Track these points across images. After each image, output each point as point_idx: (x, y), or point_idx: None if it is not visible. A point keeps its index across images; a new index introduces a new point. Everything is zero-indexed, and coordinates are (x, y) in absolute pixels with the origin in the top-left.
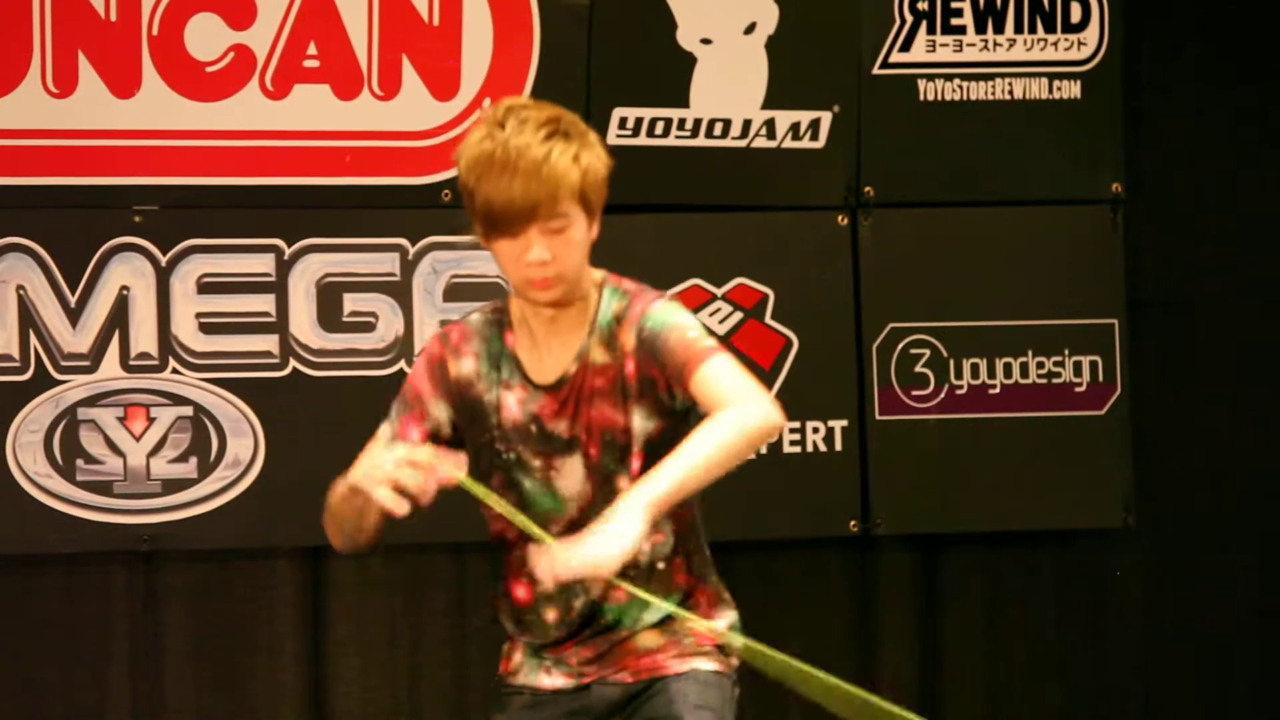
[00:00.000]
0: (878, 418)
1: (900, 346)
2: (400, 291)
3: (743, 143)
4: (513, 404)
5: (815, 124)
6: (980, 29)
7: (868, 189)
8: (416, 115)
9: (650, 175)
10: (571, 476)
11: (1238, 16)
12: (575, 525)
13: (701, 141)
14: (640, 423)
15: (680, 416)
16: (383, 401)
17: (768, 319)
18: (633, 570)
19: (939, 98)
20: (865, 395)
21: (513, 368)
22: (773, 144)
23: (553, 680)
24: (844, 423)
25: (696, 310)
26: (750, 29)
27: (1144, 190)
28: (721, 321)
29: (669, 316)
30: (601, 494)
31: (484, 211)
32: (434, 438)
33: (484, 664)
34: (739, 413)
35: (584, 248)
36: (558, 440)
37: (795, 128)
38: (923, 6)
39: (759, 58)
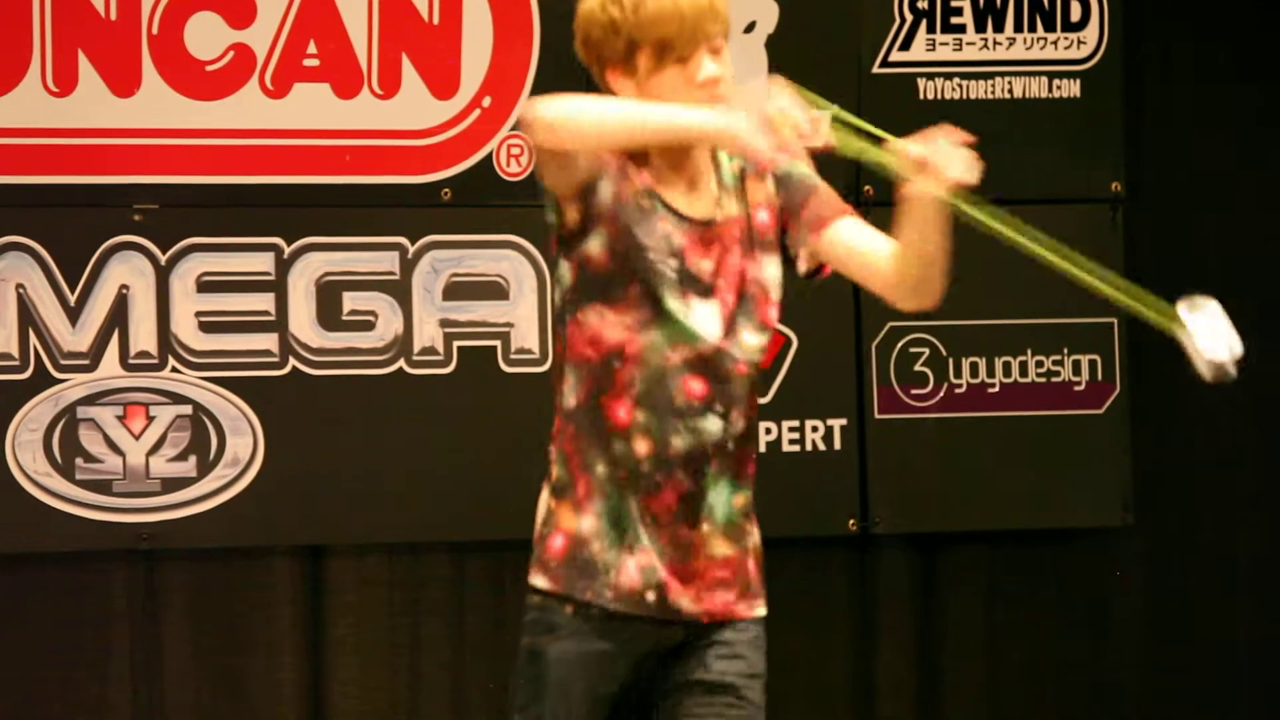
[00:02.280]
0: (877, 416)
1: (899, 345)
2: (400, 290)
3: None
4: (659, 233)
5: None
6: (980, 28)
7: (867, 188)
8: (416, 114)
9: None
10: (710, 317)
11: (1237, 15)
12: (703, 362)
13: None
14: (771, 273)
15: (789, 264)
16: (382, 400)
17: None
18: (726, 448)
19: (939, 97)
20: (864, 394)
21: (654, 199)
22: None
23: (629, 579)
24: (843, 421)
25: None
26: (750, 28)
27: (1143, 189)
28: None
29: (806, 169)
30: (731, 341)
31: (657, 41)
32: (559, 219)
33: (483, 664)
34: None
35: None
36: (696, 281)
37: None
38: (923, 5)
39: (759, 56)
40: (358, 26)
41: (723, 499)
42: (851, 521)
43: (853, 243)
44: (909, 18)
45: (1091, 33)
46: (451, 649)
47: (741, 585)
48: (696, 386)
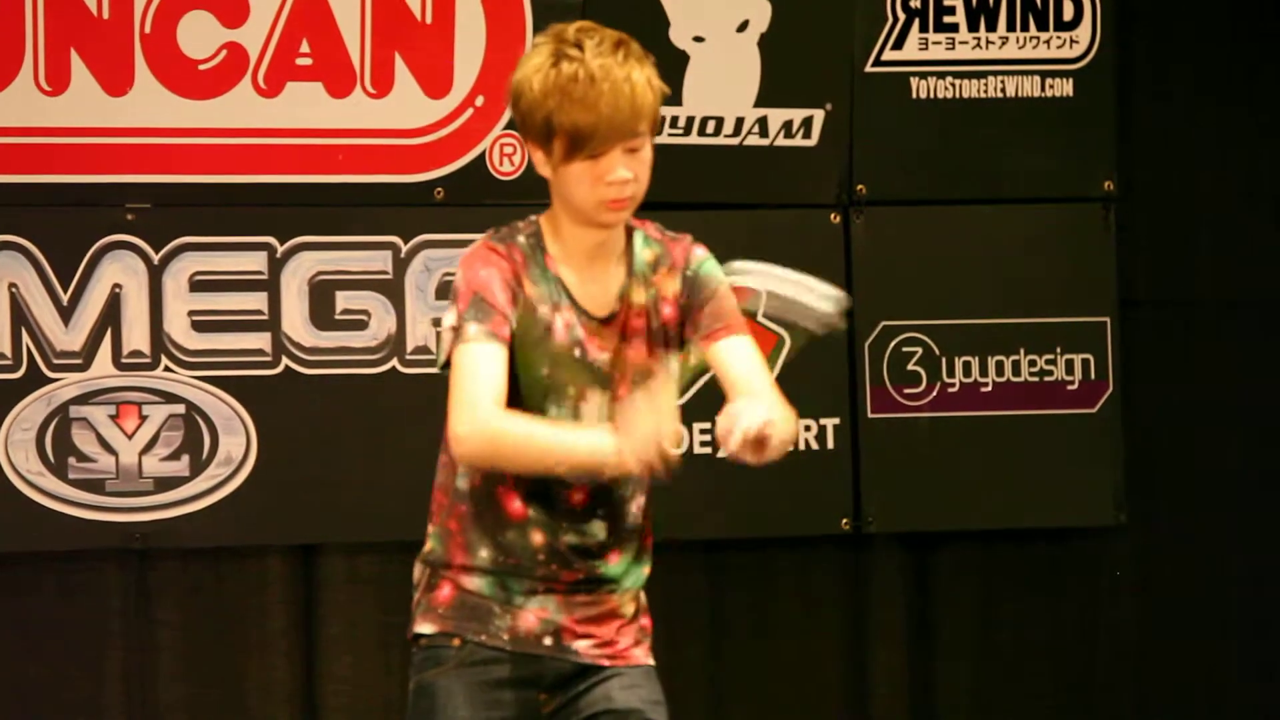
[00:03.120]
0: (870, 416)
1: (892, 345)
2: (392, 290)
3: (735, 141)
4: (560, 328)
5: (808, 122)
6: (973, 27)
7: (860, 187)
8: (409, 113)
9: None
10: (597, 412)
11: (1230, 15)
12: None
13: (694, 139)
14: (671, 367)
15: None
16: (375, 399)
17: (760, 317)
18: (620, 539)
19: (931, 96)
20: (857, 393)
21: (560, 291)
22: (765, 142)
23: (526, 624)
24: (836, 421)
25: None
26: (743, 27)
27: (1136, 188)
28: None
29: (716, 271)
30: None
31: (570, 132)
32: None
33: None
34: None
35: (649, 172)
36: (596, 372)
37: (788, 126)
38: (915, 4)
39: (752, 55)
40: (350, 25)
41: (631, 575)
42: (844, 521)
43: (729, 369)
44: (902, 17)
45: (1084, 32)
46: None
47: (638, 636)
48: (578, 496)
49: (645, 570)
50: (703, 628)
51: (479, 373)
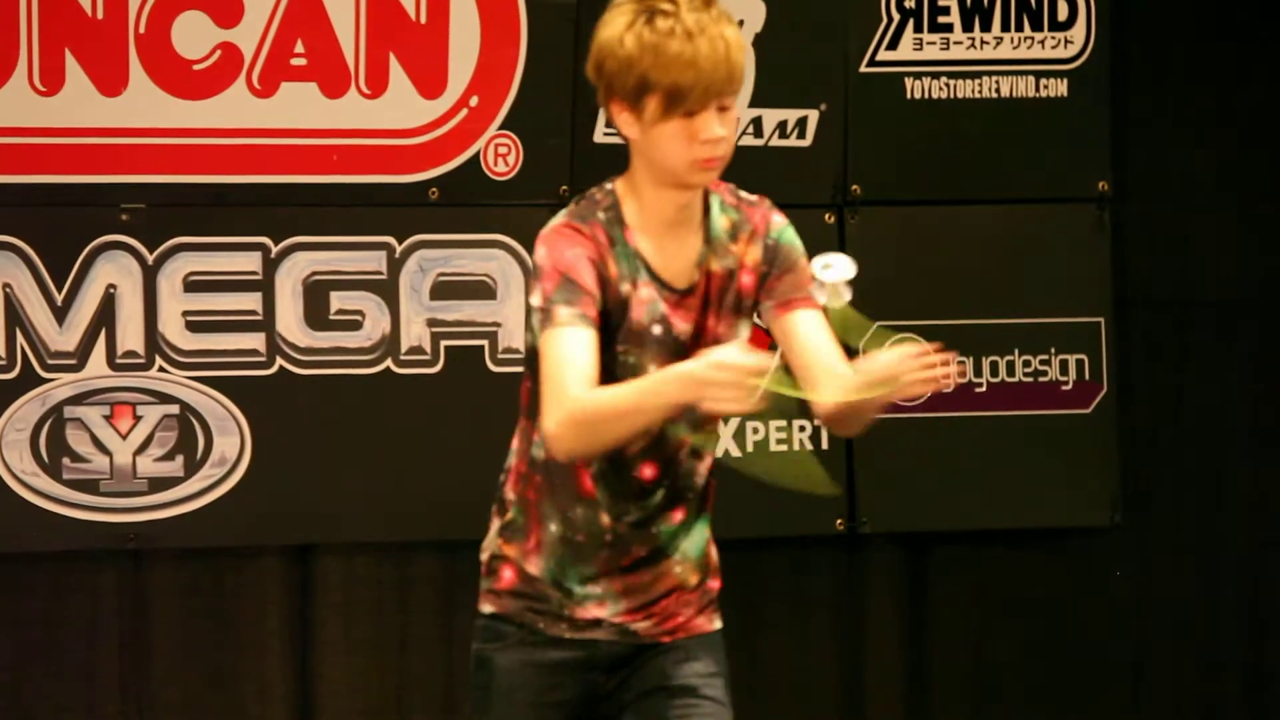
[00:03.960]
0: None
1: (886, 345)
2: (387, 290)
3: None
4: (638, 305)
5: (802, 122)
6: (967, 27)
7: (855, 187)
8: (403, 113)
9: None
10: None
11: (1225, 15)
12: (655, 444)
13: None
14: (743, 335)
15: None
16: (370, 399)
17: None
18: (691, 494)
19: (926, 96)
20: None
21: (639, 266)
22: (760, 142)
23: (586, 613)
24: None
25: None
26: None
27: (1131, 189)
28: None
29: (796, 239)
30: (688, 409)
31: (668, 89)
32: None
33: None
34: None
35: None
36: (677, 344)
37: (782, 126)
38: (910, 4)
39: (746, 55)
40: (345, 26)
41: (694, 541)
42: (839, 521)
43: (806, 340)
44: (896, 17)
45: (1079, 32)
46: (440, 648)
47: (702, 603)
48: (649, 471)
49: (708, 532)
50: None
51: (567, 359)
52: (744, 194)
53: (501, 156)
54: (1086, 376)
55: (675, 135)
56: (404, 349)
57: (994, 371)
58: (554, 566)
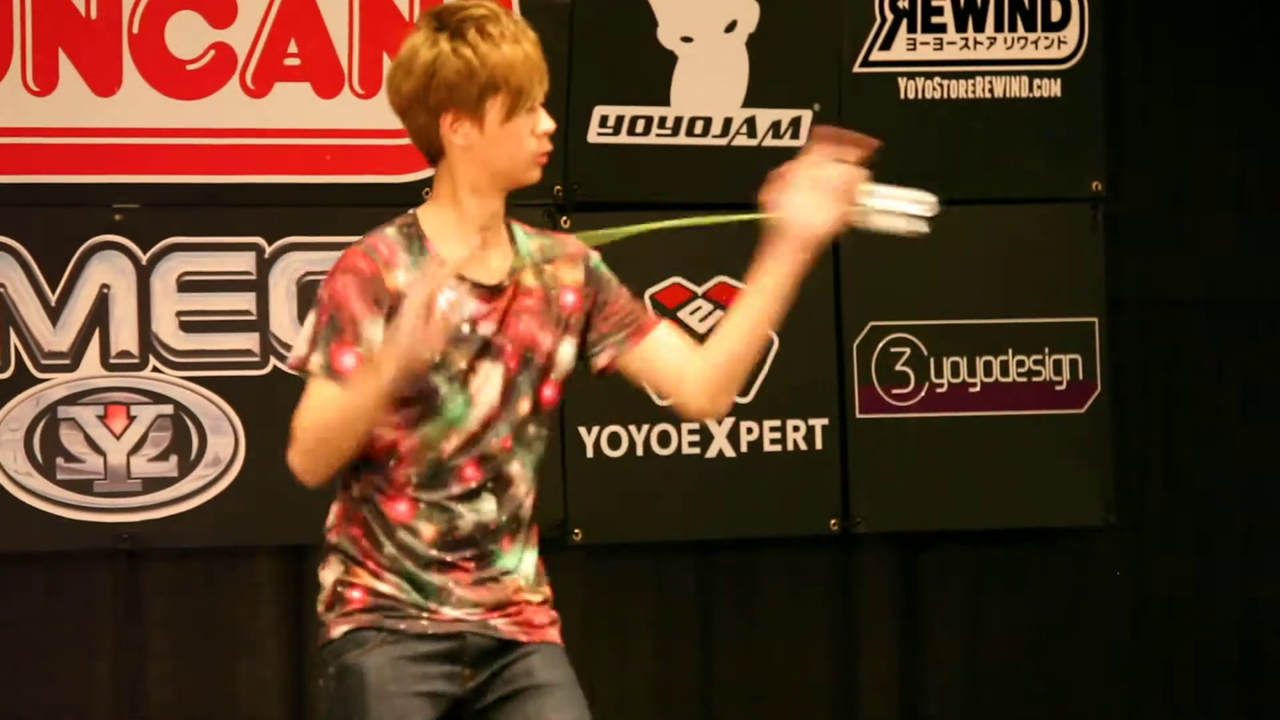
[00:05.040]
0: (858, 416)
1: (881, 345)
2: None
3: (724, 141)
4: (443, 305)
5: (796, 122)
6: (961, 27)
7: None
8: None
9: (631, 173)
10: (488, 384)
11: (1218, 15)
12: (464, 448)
13: (682, 140)
14: (564, 352)
15: (581, 367)
16: None
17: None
18: (514, 524)
19: (920, 96)
20: (846, 394)
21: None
22: (753, 142)
23: (446, 615)
24: (824, 421)
25: (677, 309)
26: (731, 27)
27: (1124, 189)
28: (702, 320)
29: (606, 268)
30: (506, 412)
31: (515, 86)
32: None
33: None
34: None
35: None
36: (484, 342)
37: (776, 126)
38: (903, 5)
39: (740, 56)
40: (338, 26)
41: (524, 565)
42: (833, 521)
43: (668, 351)
44: (890, 17)
45: (1072, 32)
46: None
47: (549, 618)
48: (470, 471)
49: (535, 560)
50: (692, 628)
51: (306, 407)
52: (540, 228)
53: None
54: (1080, 376)
55: (519, 132)
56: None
57: (988, 372)
58: (404, 580)
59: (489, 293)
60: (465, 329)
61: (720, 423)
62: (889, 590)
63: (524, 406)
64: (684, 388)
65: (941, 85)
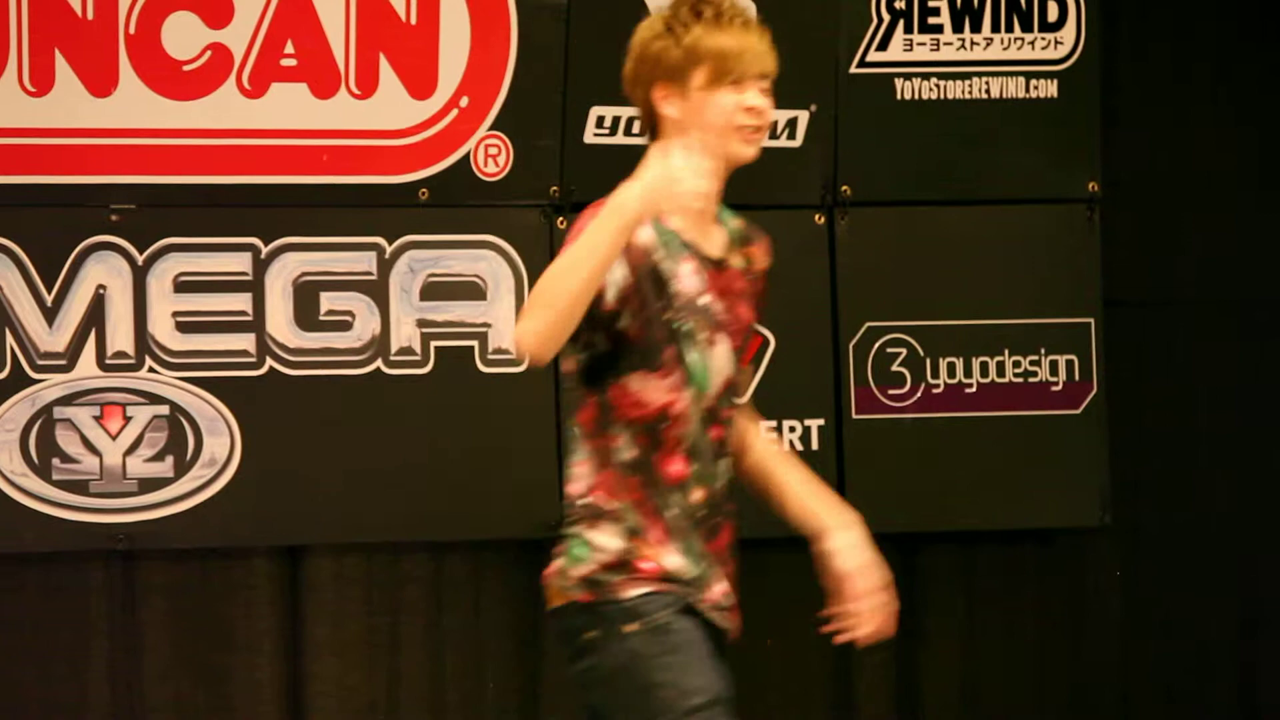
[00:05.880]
0: (854, 417)
1: (877, 345)
2: (377, 290)
3: None
4: (687, 275)
5: (792, 123)
6: (957, 28)
7: (845, 188)
8: (394, 114)
9: (628, 174)
10: (722, 355)
11: (1214, 16)
12: (709, 414)
13: None
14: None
15: None
16: (360, 400)
17: None
18: (726, 499)
19: (916, 97)
20: (842, 394)
21: (678, 242)
22: None
23: (713, 597)
24: (820, 422)
25: None
26: None
27: (1121, 189)
28: None
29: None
30: (727, 386)
31: (717, 55)
32: (596, 304)
33: (461, 663)
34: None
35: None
36: (717, 317)
37: (772, 126)
38: (900, 5)
39: None
40: (335, 26)
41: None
42: None
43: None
44: (886, 18)
45: (1068, 33)
46: (430, 648)
47: None
48: (715, 433)
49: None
50: None
51: (553, 267)
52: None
53: (492, 157)
54: (1076, 377)
55: (721, 104)
56: (394, 350)
57: (984, 372)
58: (684, 551)
59: (714, 267)
60: (703, 300)
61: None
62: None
63: (739, 379)
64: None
65: (938, 86)
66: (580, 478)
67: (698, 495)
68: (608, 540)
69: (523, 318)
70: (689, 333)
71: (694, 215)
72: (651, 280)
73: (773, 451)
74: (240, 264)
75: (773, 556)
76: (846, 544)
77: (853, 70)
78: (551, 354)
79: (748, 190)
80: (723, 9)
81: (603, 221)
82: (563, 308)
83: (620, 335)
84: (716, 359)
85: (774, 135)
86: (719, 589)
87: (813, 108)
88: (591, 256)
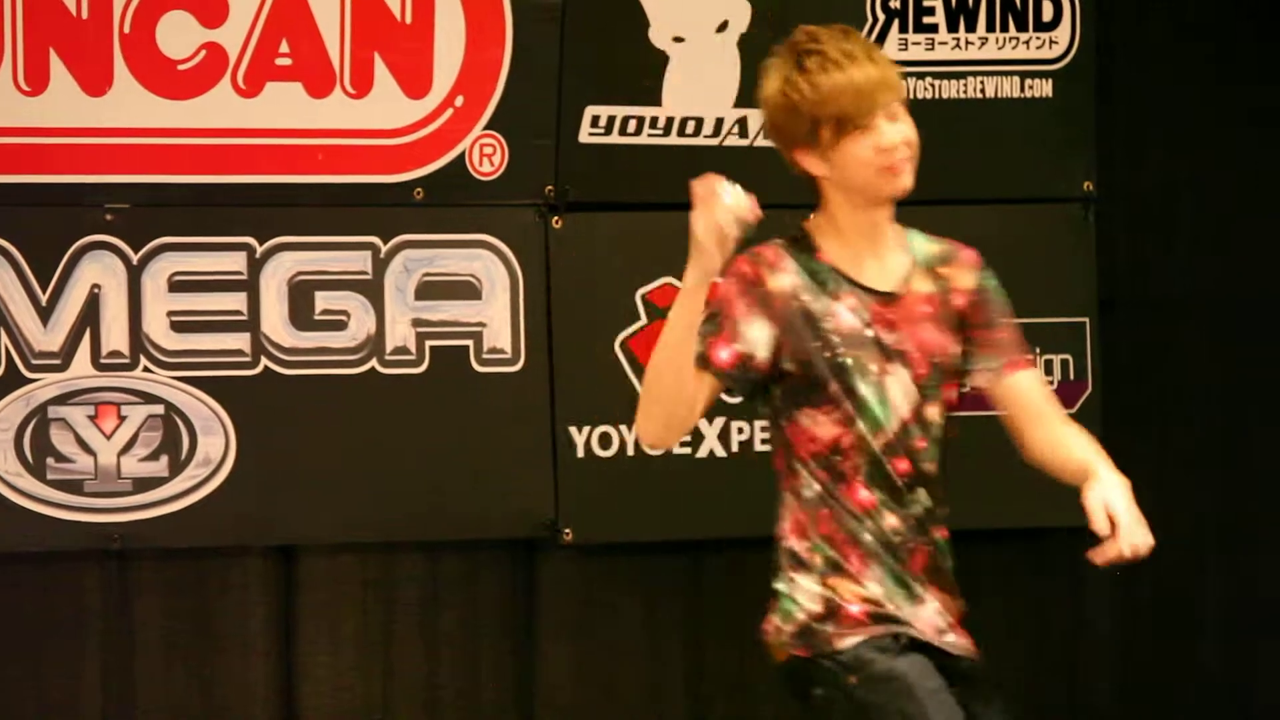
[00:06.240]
0: None
1: None
2: (372, 290)
3: (716, 141)
4: (844, 311)
5: None
6: (952, 27)
7: None
8: (389, 113)
9: (623, 173)
10: (901, 387)
11: (1209, 15)
12: (891, 446)
13: (674, 140)
14: (956, 352)
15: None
16: (354, 400)
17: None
18: (941, 520)
19: (911, 96)
20: None
21: (838, 279)
22: (745, 142)
23: (927, 624)
24: None
25: (669, 308)
26: (723, 27)
27: (1116, 189)
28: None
29: (1000, 290)
30: (916, 417)
31: (834, 111)
32: (745, 363)
33: (455, 663)
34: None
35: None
36: (887, 349)
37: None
38: (895, 5)
39: (732, 56)
40: (330, 25)
41: (948, 561)
42: None
43: (1023, 398)
44: (881, 17)
45: (1063, 32)
46: (424, 648)
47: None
48: (902, 465)
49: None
50: (682, 627)
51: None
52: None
53: (487, 156)
54: (1072, 376)
55: (858, 151)
56: (389, 349)
57: None
58: (884, 576)
59: (884, 299)
60: (869, 332)
61: (711, 422)
62: None
63: (933, 410)
64: (1023, 446)
65: (933, 85)
66: (780, 519)
67: (891, 522)
68: (810, 586)
69: (637, 415)
70: (854, 367)
71: (859, 245)
72: (803, 321)
73: (1070, 433)
74: (235, 263)
75: (760, 558)
76: (1110, 482)
77: None
78: (676, 439)
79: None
80: (826, 52)
81: (676, 307)
82: (666, 398)
83: (787, 376)
84: (892, 391)
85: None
86: (931, 609)
87: None
88: (674, 345)
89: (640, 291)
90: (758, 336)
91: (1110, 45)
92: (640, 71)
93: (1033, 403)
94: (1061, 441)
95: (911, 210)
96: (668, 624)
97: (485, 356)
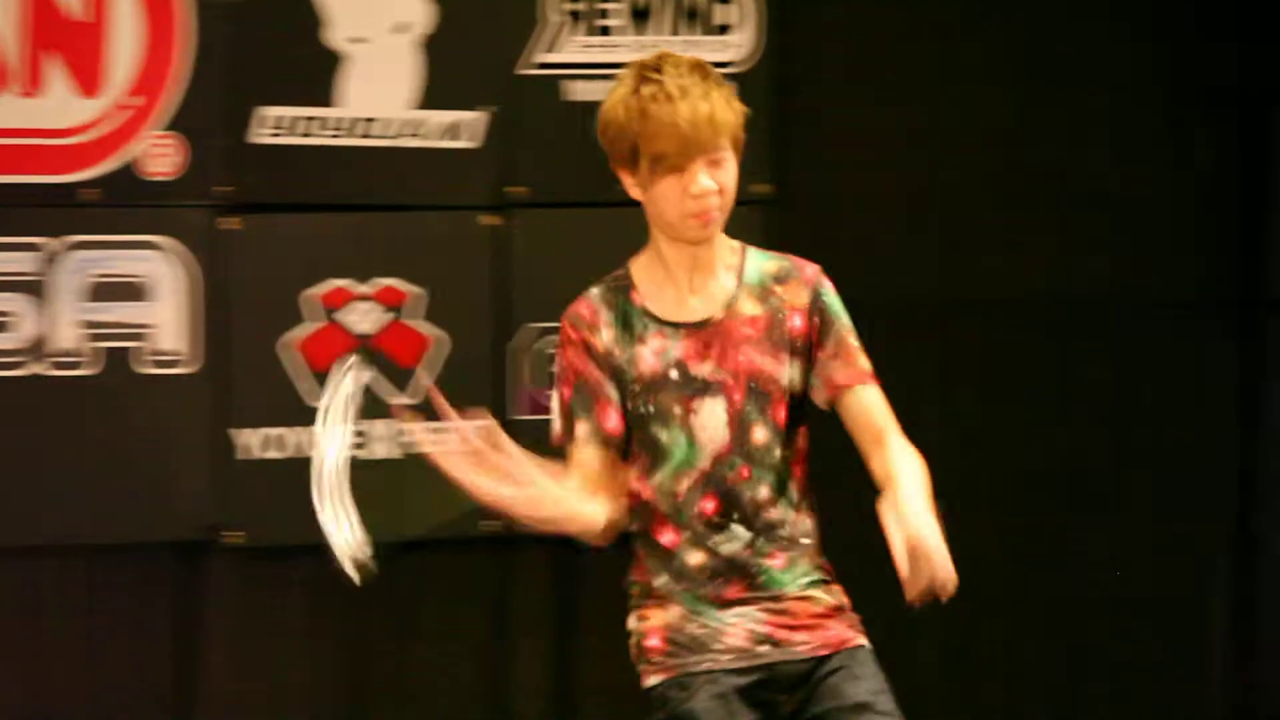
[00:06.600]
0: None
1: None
2: (41, 291)
3: (392, 142)
4: (648, 355)
5: (467, 124)
6: (639, 29)
7: (518, 189)
8: (61, 112)
9: (297, 174)
10: (712, 422)
11: (886, 29)
12: (707, 480)
13: (350, 140)
14: (789, 375)
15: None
16: (20, 403)
17: (416, 318)
18: (779, 543)
19: (589, 98)
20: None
21: (645, 321)
22: (423, 143)
23: (737, 639)
24: None
25: (340, 308)
26: (402, 28)
27: (793, 192)
28: (374, 323)
29: (840, 307)
30: (738, 444)
31: (654, 146)
32: (606, 443)
33: (115, 666)
34: (917, 458)
35: (735, 187)
36: (699, 382)
37: (446, 127)
38: (576, 8)
39: (411, 57)
40: (2, 21)
41: (803, 578)
42: None
43: (862, 415)
44: (558, 19)
45: (746, 36)
46: (85, 652)
47: (849, 619)
48: (710, 505)
49: (817, 572)
50: (347, 628)
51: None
52: (795, 258)
53: (161, 157)
54: None
55: (668, 193)
56: (56, 351)
57: None
58: (688, 602)
59: (697, 329)
60: (674, 374)
61: (377, 424)
62: None
63: (759, 434)
64: (865, 462)
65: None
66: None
67: (696, 560)
68: (631, 622)
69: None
70: (654, 415)
71: (678, 273)
72: (618, 377)
73: (901, 459)
74: None
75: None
76: (918, 520)
77: (523, 71)
78: (624, 522)
79: (420, 192)
80: (663, 83)
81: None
82: (589, 523)
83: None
84: (702, 428)
85: (449, 136)
86: (748, 622)
87: (488, 109)
88: (560, 521)
89: (309, 293)
90: (613, 394)
91: (791, 48)
92: (316, 72)
93: (872, 423)
94: (891, 467)
95: (599, 212)
96: (331, 624)
97: (155, 359)
